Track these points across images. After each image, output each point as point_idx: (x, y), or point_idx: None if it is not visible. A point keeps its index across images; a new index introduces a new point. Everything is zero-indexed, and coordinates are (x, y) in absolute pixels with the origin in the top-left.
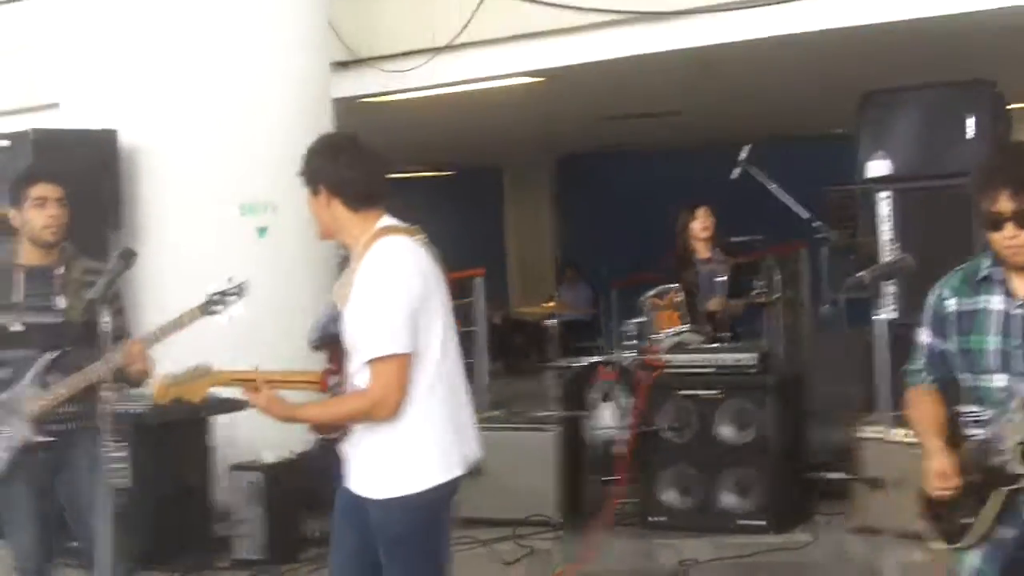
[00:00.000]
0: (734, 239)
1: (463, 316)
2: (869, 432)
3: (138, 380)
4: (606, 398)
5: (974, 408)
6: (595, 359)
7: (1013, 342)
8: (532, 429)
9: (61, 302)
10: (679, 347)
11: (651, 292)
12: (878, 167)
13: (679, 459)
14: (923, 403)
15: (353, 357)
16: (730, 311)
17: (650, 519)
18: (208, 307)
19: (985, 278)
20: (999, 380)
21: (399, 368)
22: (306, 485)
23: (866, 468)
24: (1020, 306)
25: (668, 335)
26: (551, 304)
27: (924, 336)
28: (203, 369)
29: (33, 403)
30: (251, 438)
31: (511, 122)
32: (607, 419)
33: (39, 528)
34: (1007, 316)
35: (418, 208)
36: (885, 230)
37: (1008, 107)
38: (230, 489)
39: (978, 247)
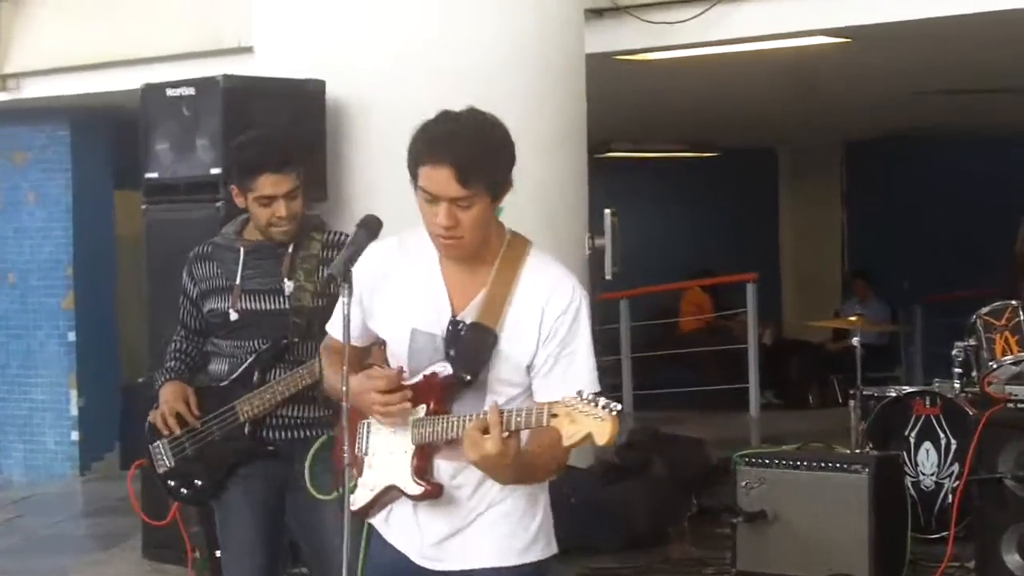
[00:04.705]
0: None
1: (723, 333)
2: None
3: None
4: (926, 437)
5: None
6: (909, 389)
7: None
8: (837, 470)
9: (288, 285)
10: (1022, 378)
11: (985, 310)
12: None
13: None
14: None
15: (500, 390)
16: None
17: None
18: None
19: None
20: None
21: None
22: None
23: None
24: None
25: (1007, 363)
26: (838, 321)
27: None
28: None
29: (246, 405)
30: None
31: (798, 93)
32: (930, 462)
33: (261, 552)
34: None
35: (673, 196)
36: None
37: None
38: None
39: None
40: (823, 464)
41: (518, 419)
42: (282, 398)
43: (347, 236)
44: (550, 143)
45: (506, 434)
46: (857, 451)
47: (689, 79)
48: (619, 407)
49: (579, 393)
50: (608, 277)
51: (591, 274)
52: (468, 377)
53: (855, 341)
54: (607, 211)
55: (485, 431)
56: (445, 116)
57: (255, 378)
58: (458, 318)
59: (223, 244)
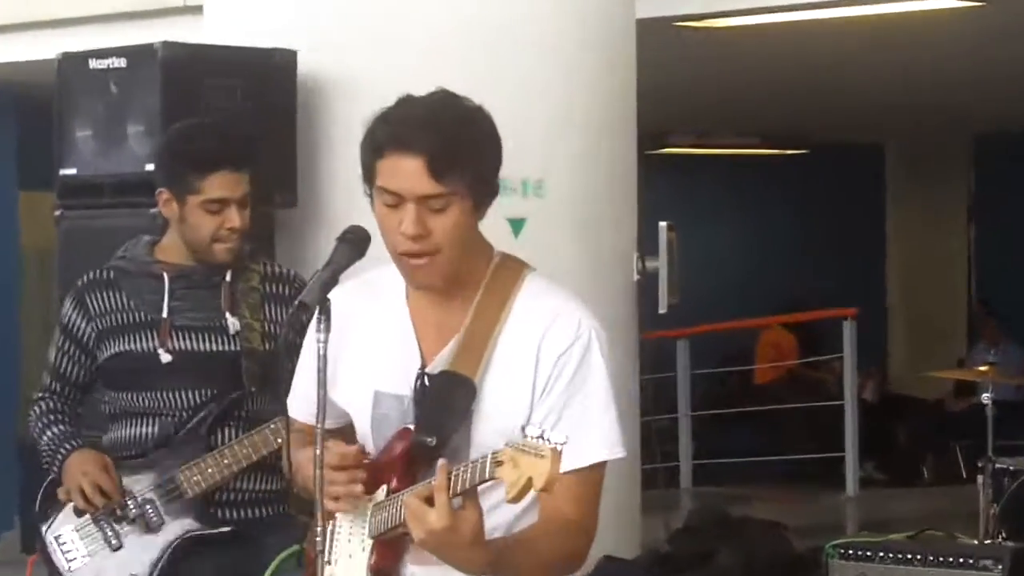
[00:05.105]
0: None
1: (811, 386)
2: None
3: None
4: None
5: None
6: None
7: None
8: (961, 565)
9: (232, 322)
10: None
11: None
12: None
13: None
14: None
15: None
16: None
17: None
18: None
19: None
20: None
21: (602, 482)
22: None
23: None
24: None
25: None
26: (963, 371)
27: None
28: None
29: (195, 475)
30: None
31: (911, 72)
32: None
33: None
34: None
35: (747, 205)
36: None
37: None
38: None
39: None
40: (942, 558)
41: (464, 476)
42: (240, 468)
43: (290, 271)
44: (588, 135)
45: (459, 501)
46: (987, 541)
47: (770, 53)
48: (564, 440)
49: (541, 435)
50: (662, 310)
51: (640, 306)
52: (431, 441)
53: (985, 398)
54: (662, 224)
55: (430, 500)
56: (409, 100)
57: (201, 441)
58: (428, 369)
59: (132, 269)
